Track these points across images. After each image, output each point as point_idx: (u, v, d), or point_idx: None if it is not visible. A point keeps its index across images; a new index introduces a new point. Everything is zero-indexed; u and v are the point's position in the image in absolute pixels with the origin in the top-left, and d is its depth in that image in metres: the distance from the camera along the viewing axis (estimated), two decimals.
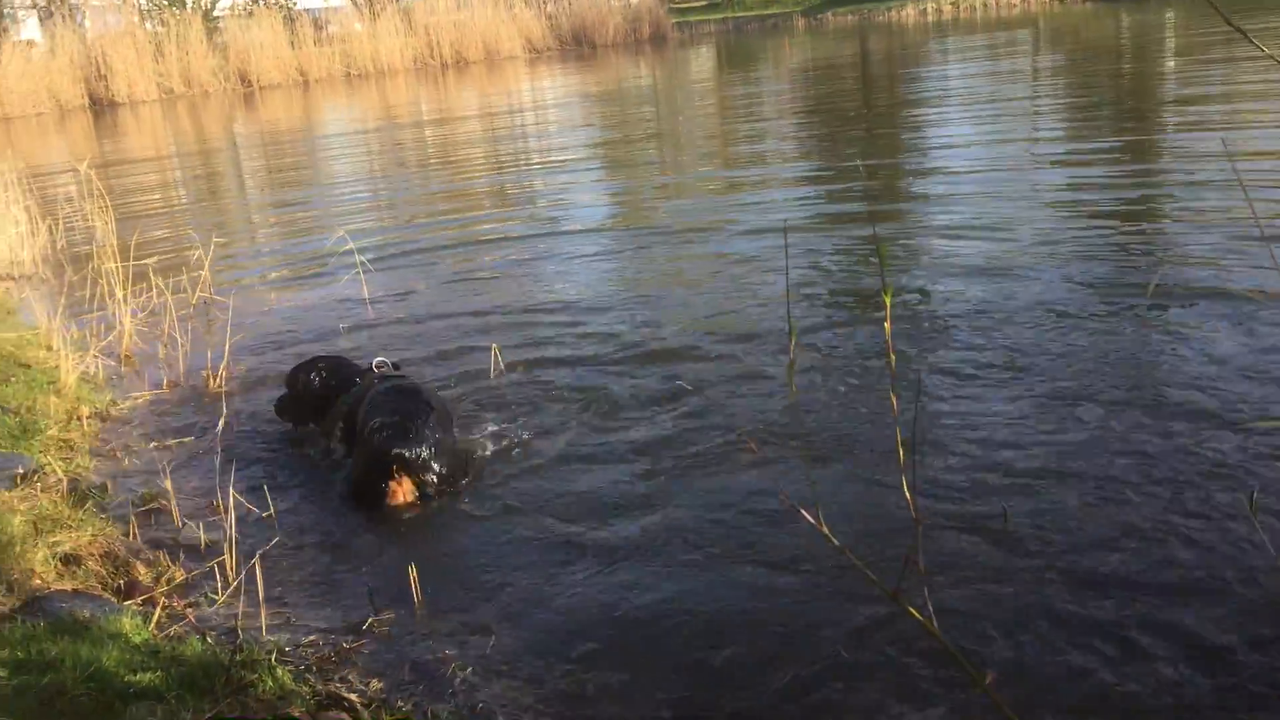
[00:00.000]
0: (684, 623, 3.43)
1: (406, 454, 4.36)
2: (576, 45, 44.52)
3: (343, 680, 3.24)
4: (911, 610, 1.55)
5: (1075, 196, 8.82)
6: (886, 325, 1.65)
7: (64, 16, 38.57)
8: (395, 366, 5.23)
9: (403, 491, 4.38)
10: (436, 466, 4.41)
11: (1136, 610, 3.23)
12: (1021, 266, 6.81)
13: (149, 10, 42.05)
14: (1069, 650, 3.08)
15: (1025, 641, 3.14)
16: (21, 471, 4.61)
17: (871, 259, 7.39)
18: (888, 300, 1.59)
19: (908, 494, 1.63)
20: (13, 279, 9.30)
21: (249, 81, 38.47)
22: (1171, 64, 18.60)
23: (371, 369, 5.16)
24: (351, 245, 7.91)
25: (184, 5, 42.83)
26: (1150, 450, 4.21)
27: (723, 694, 3.07)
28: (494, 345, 5.98)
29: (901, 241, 7.81)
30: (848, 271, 7.28)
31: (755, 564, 3.71)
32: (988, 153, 11.39)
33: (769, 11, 50.89)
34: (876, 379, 5.23)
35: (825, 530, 1.54)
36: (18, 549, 3.84)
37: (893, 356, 1.68)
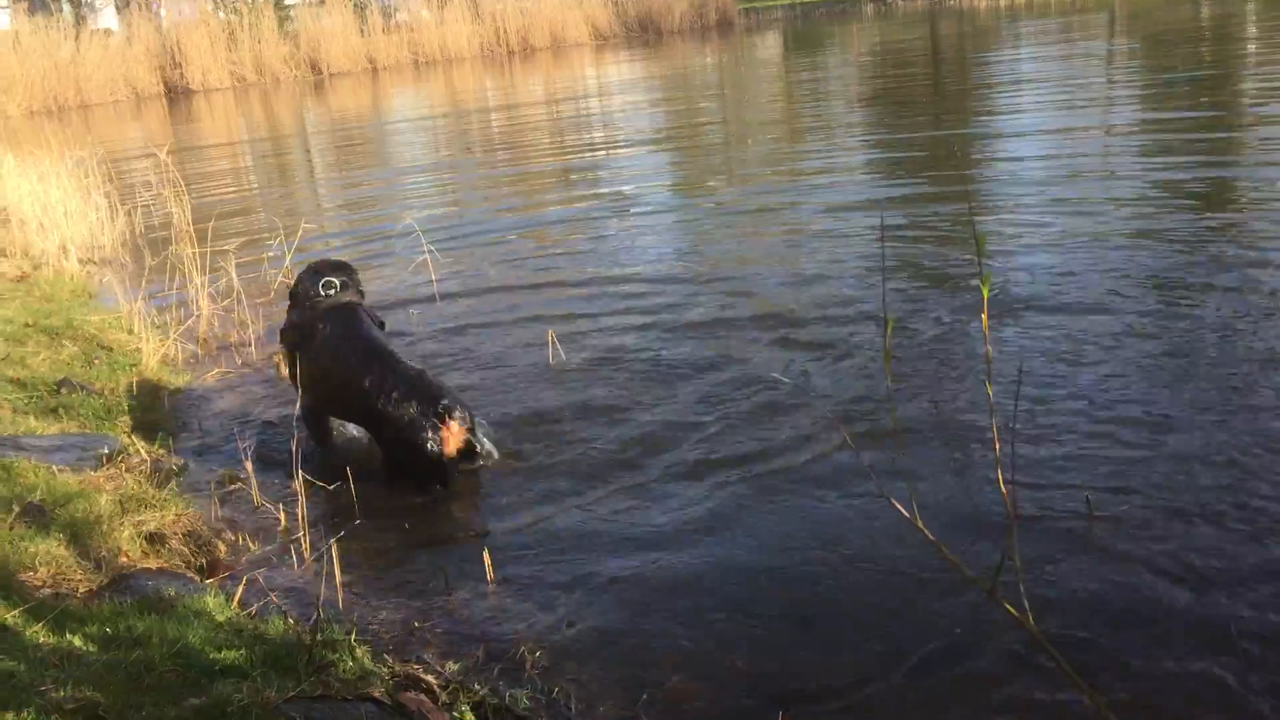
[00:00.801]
0: (765, 610, 3.42)
1: (453, 406, 4.43)
2: (642, 32, 44.42)
3: (420, 661, 3.28)
4: (1008, 606, 1.53)
5: (1159, 177, 8.63)
6: (984, 316, 1.62)
7: (140, 5, 39.25)
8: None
9: (454, 439, 4.40)
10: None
11: (1244, 608, 3.13)
12: (1111, 248, 6.71)
13: (222, 0, 42.67)
14: (1170, 649, 3.01)
15: (1123, 639, 3.07)
16: (107, 451, 4.72)
17: (954, 240, 7.30)
18: (985, 290, 1.56)
19: (1002, 486, 1.60)
20: (94, 263, 9.52)
21: (319, 69, 38.94)
22: (1252, 50, 18.11)
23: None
24: (418, 230, 7.99)
25: None
26: (1256, 436, 4.10)
27: (804, 684, 3.05)
28: (550, 331, 6.00)
29: (989, 226, 7.69)
30: (929, 253, 7.15)
31: (842, 553, 3.67)
32: (1066, 135, 11.15)
33: None
34: (968, 364, 5.16)
35: (919, 524, 1.52)
36: (105, 527, 3.94)
37: (989, 348, 1.64)
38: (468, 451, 4.47)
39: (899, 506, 1.56)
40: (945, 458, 4.25)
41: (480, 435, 4.55)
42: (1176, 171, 8.79)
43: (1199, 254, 6.44)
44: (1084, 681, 1.57)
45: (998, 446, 1.65)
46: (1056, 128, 11.80)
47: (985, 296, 1.59)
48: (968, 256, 6.91)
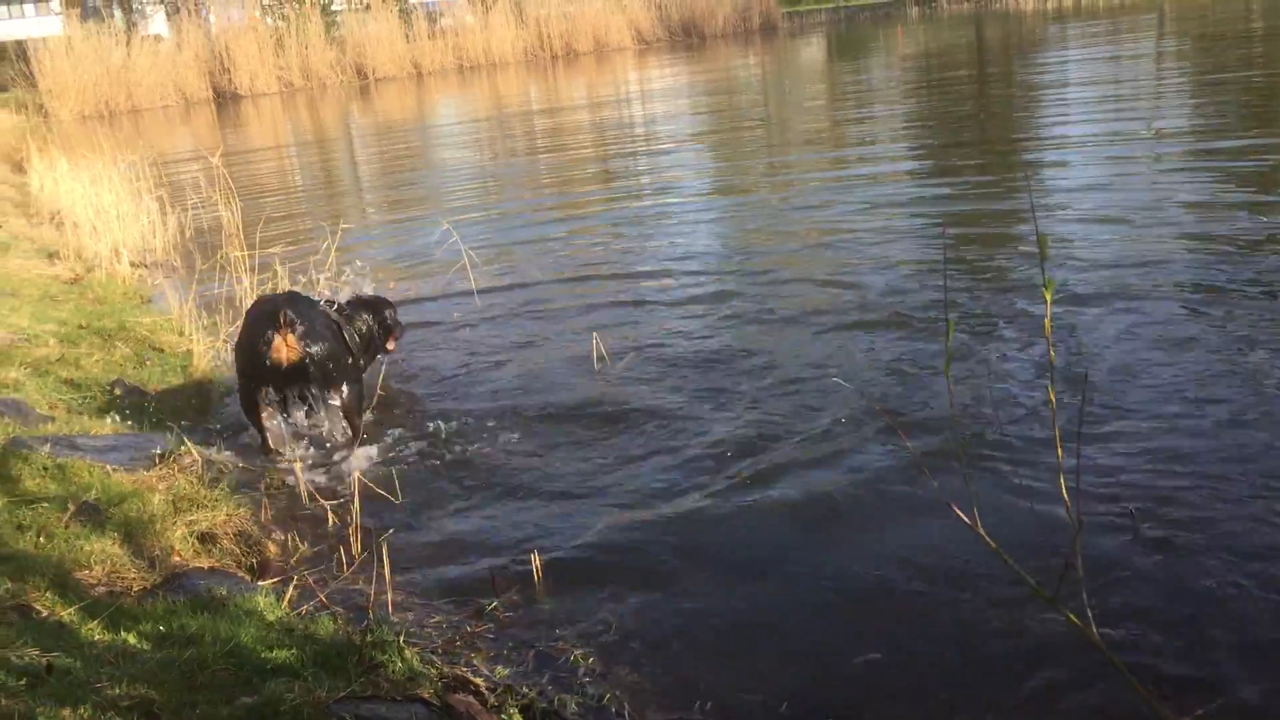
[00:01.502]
0: (818, 616, 3.39)
1: (292, 313, 4.68)
2: (685, 36, 44.47)
3: (468, 664, 3.28)
4: (1071, 616, 1.50)
5: (1211, 182, 8.49)
6: (1046, 321, 1.60)
7: (190, 12, 39.86)
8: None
9: (287, 346, 4.64)
10: (318, 344, 4.77)
11: None
12: (1170, 249, 6.63)
13: (270, 5, 43.23)
14: (1236, 659, 2.95)
15: (1189, 648, 3.01)
16: (159, 451, 4.77)
17: (1006, 241, 7.24)
18: (1048, 294, 1.53)
19: (1065, 493, 1.57)
20: (145, 266, 9.65)
21: (365, 74, 39.36)
22: None
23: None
24: (457, 236, 8.04)
25: (303, 0, 43.90)
26: None
27: (859, 694, 3.02)
28: (594, 334, 6.00)
29: (1045, 230, 7.60)
30: (982, 254, 7.08)
31: (900, 560, 3.63)
32: (1114, 138, 10.98)
33: (882, 0, 50.10)
34: (1028, 366, 5.10)
35: (981, 530, 1.50)
36: (158, 526, 3.98)
37: (1053, 353, 1.62)
38: (300, 365, 4.71)
39: (960, 513, 1.54)
40: (1007, 463, 4.19)
41: (315, 349, 4.77)
42: (1232, 172, 8.65)
43: (1261, 256, 6.33)
44: (1148, 691, 1.54)
45: (1060, 452, 1.62)
46: (1106, 131, 11.64)
47: (1048, 300, 1.57)
48: (1023, 257, 6.85)
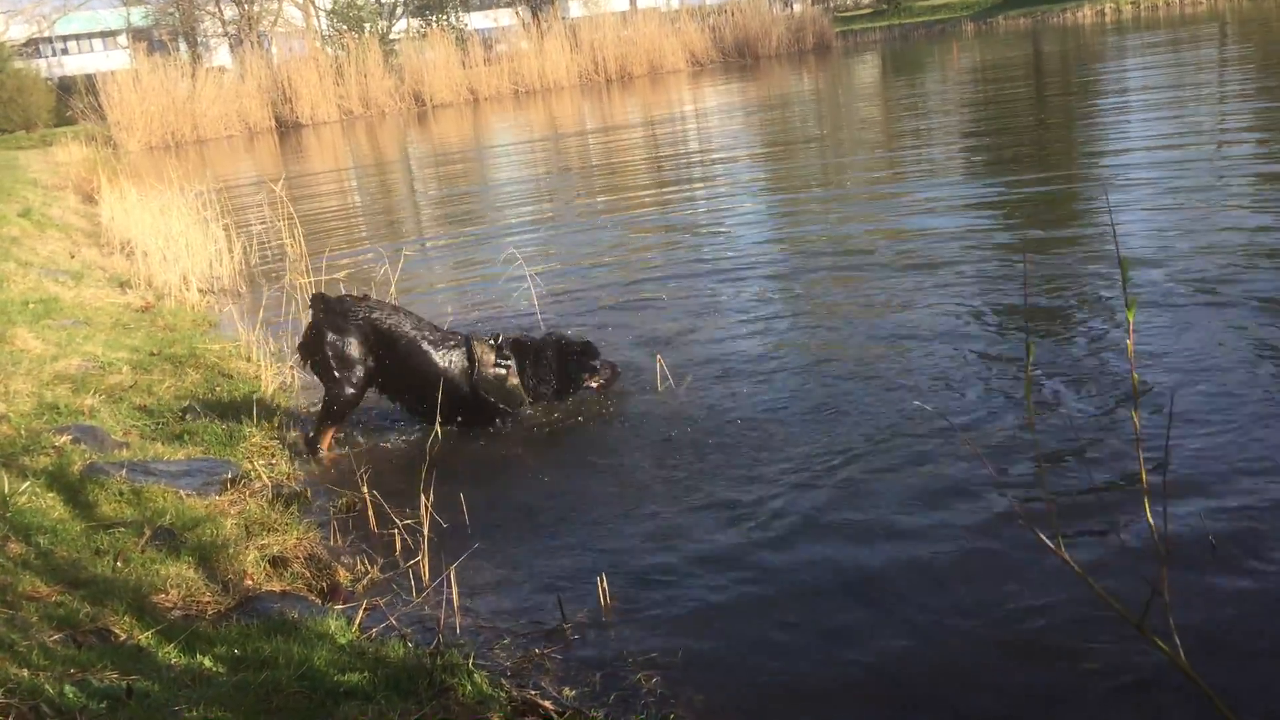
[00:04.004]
0: (894, 644, 3.34)
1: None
2: (740, 57, 44.56)
3: (536, 687, 3.29)
4: (1159, 643, 1.47)
5: (1276, 204, 8.32)
6: (1129, 343, 1.58)
7: (252, 44, 40.76)
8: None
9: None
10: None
11: None
12: (1250, 271, 6.45)
13: (330, 36, 44.03)
14: None
15: (1263, 672, 2.95)
16: (230, 477, 4.86)
17: (1080, 261, 7.13)
18: (1130, 315, 1.51)
19: (1150, 518, 1.55)
20: (213, 293, 9.85)
21: (423, 101, 39.92)
22: None
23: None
24: (520, 259, 8.10)
25: (362, 30, 44.69)
26: None
27: (934, 717, 2.99)
28: (658, 355, 6.01)
29: (1108, 257, 7.50)
30: (1056, 274, 6.99)
31: (980, 585, 3.58)
32: (1180, 157, 10.80)
33: (936, 17, 49.84)
34: (1109, 389, 5.01)
35: (1065, 556, 1.48)
36: (231, 551, 4.06)
37: (1136, 376, 1.60)
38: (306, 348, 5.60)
39: (1044, 538, 1.53)
40: (1089, 487, 4.11)
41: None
42: None
43: None
44: (1226, 707, 1.51)
45: (1145, 477, 1.60)
46: (1171, 145, 11.46)
47: (1130, 320, 1.55)
48: (1098, 277, 6.74)
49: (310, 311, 5.64)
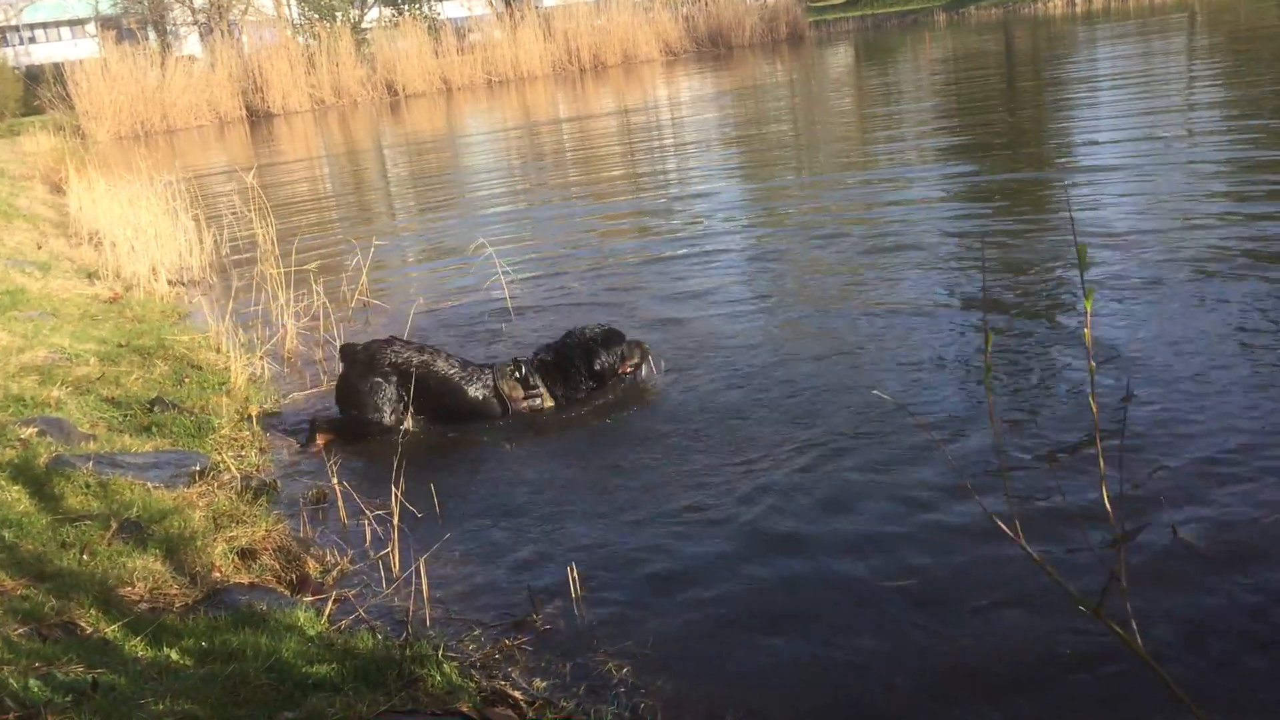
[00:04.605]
0: (857, 629, 3.37)
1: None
2: (713, 46, 44.52)
3: (506, 677, 3.29)
4: (1116, 629, 1.49)
5: (1244, 191, 8.40)
6: (1087, 332, 1.59)
7: (223, 33, 40.38)
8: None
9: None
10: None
11: None
12: (1214, 261, 6.51)
13: (301, 25, 43.69)
14: (1271, 666, 2.93)
15: (1233, 660, 2.98)
16: (198, 468, 4.83)
17: (1042, 250, 7.18)
18: (1088, 304, 1.53)
19: (1107, 504, 1.57)
20: (182, 284, 9.77)
21: (395, 91, 39.66)
22: None
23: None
24: (491, 250, 8.07)
25: (334, 19, 44.37)
26: None
27: (895, 705, 3.01)
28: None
29: (1082, 232, 7.55)
30: (1019, 263, 7.03)
31: (941, 572, 3.62)
32: (1147, 147, 10.87)
33: (909, 7, 49.96)
34: (1068, 377, 5.06)
35: (1023, 542, 1.49)
36: (199, 543, 4.03)
37: (1093, 364, 1.61)
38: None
39: (1002, 524, 1.54)
40: (1047, 474, 4.16)
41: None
42: (1266, 175, 8.56)
43: None
44: (1196, 705, 1.52)
45: (1103, 463, 1.61)
46: (1139, 134, 11.54)
47: (1088, 310, 1.56)
48: (1062, 263, 6.79)
49: (341, 363, 5.65)
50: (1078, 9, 39.58)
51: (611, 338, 5.70)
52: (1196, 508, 3.77)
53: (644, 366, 5.77)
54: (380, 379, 5.44)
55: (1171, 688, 1.44)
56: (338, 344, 6.69)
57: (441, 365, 5.53)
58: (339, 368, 5.69)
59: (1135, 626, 1.50)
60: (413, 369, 5.45)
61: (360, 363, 5.50)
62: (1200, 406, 4.55)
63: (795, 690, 3.12)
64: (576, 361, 5.62)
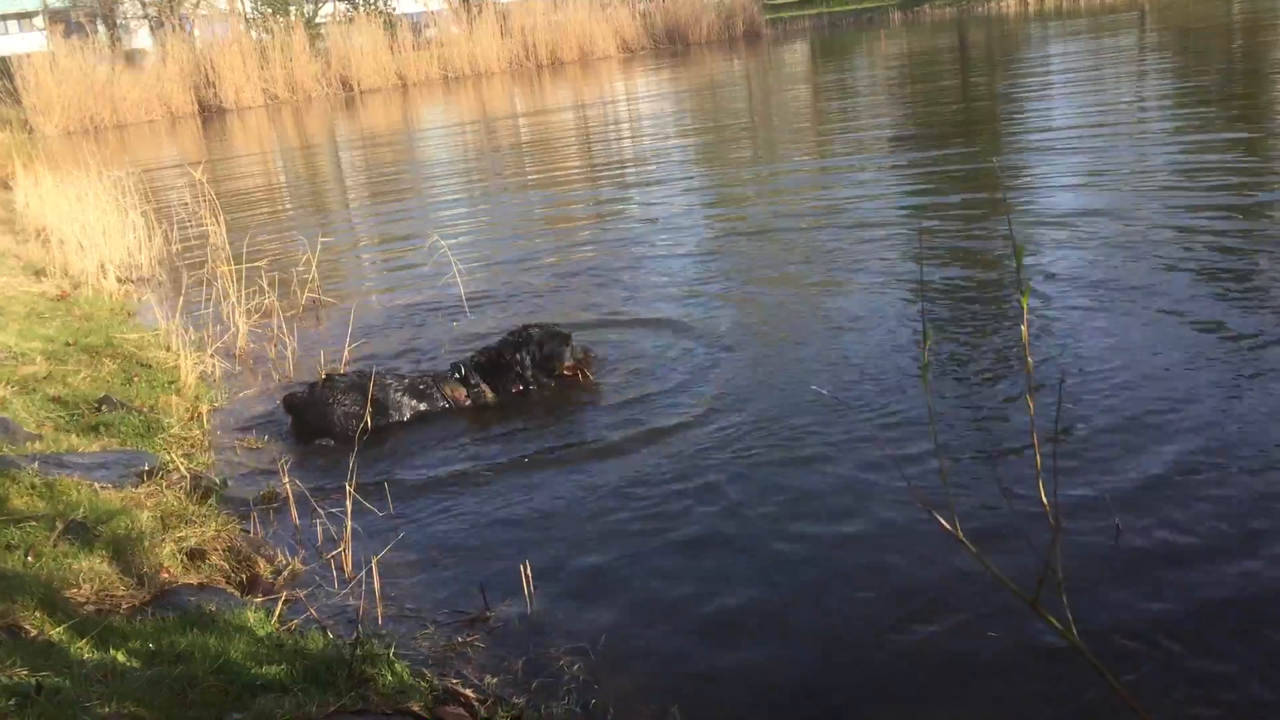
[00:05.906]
0: (801, 625, 3.41)
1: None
2: (670, 43, 44.53)
3: (458, 676, 3.29)
4: (1051, 620, 1.52)
5: (1191, 183, 8.53)
6: (1024, 328, 1.62)
7: (174, 26, 39.78)
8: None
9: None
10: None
11: None
12: (1149, 249, 6.66)
13: (254, 19, 43.19)
14: (1215, 661, 2.99)
15: (1168, 651, 3.04)
16: (147, 468, 4.77)
17: (988, 247, 7.27)
18: (1025, 301, 1.56)
19: (1044, 497, 1.59)
20: (132, 281, 9.64)
21: (350, 86, 39.30)
22: None
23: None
24: (445, 246, 8.04)
25: (288, 13, 43.90)
26: None
27: (837, 697, 3.05)
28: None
29: (1026, 231, 7.65)
30: (964, 259, 7.12)
31: (881, 566, 3.67)
32: (1096, 141, 11.02)
33: (864, 6, 50.24)
34: (1006, 373, 5.12)
35: (961, 535, 1.52)
36: (147, 544, 3.98)
37: (1030, 361, 1.64)
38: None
39: (940, 519, 1.56)
40: (986, 469, 4.22)
41: None
42: (1211, 178, 8.71)
43: (1247, 256, 6.38)
44: (1129, 694, 1.56)
45: (1039, 458, 1.64)
46: (1090, 125, 11.69)
47: (1025, 307, 1.59)
48: (1003, 260, 6.88)
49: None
50: (1030, 8, 39.99)
51: (550, 337, 5.86)
52: (1138, 503, 3.83)
53: (583, 369, 5.87)
54: (342, 397, 5.52)
55: (1104, 673, 1.47)
56: (290, 345, 6.66)
57: (393, 387, 5.65)
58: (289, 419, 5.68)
59: (1071, 618, 1.53)
60: (371, 390, 5.46)
61: (325, 389, 5.54)
62: (1149, 407, 4.62)
63: (745, 687, 3.15)
64: (511, 359, 5.79)
